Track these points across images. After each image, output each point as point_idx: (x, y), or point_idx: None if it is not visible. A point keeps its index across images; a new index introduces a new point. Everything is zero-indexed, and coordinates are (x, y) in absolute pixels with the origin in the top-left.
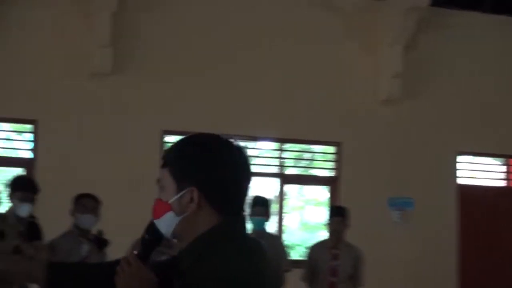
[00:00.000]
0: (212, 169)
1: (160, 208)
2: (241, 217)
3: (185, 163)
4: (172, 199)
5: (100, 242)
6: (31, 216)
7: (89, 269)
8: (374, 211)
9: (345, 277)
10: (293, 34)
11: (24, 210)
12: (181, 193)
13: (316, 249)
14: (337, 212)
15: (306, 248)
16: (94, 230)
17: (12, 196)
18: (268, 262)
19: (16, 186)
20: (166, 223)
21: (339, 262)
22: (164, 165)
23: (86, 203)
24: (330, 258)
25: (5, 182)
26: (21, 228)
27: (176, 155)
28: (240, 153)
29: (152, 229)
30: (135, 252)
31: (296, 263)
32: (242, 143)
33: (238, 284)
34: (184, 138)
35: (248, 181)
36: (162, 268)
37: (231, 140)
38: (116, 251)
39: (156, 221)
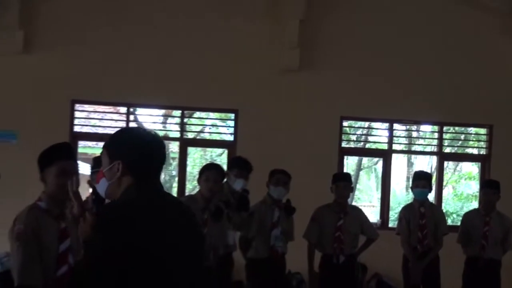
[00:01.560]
0: (132, 149)
1: (99, 176)
2: (151, 181)
3: (115, 145)
4: (105, 169)
5: (288, 209)
6: (245, 190)
7: None
8: None
9: (495, 242)
10: (450, 29)
11: (239, 185)
12: (111, 165)
13: (470, 216)
14: (491, 185)
15: (459, 215)
16: (283, 199)
17: (229, 173)
18: (180, 213)
19: (234, 164)
20: (101, 187)
21: (489, 228)
22: (103, 147)
23: (279, 177)
24: (482, 224)
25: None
26: (232, 200)
27: (111, 139)
28: (155, 140)
29: (95, 192)
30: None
31: (451, 228)
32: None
33: (123, 218)
34: (119, 129)
35: (160, 158)
36: None
37: (149, 130)
38: (300, 216)
39: (96, 186)
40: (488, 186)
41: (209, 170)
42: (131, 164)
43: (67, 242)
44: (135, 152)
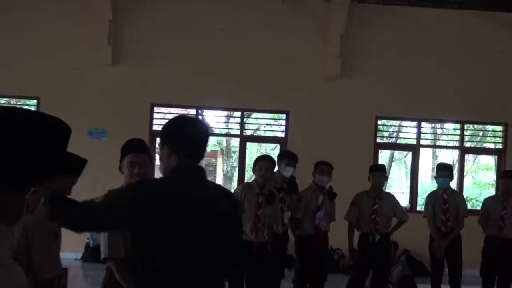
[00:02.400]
0: (173, 133)
1: (159, 160)
2: (193, 161)
3: (162, 133)
4: (159, 153)
5: (331, 195)
6: (292, 177)
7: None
8: None
9: (511, 223)
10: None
11: (288, 172)
12: (161, 150)
13: (489, 201)
14: (509, 175)
15: (478, 200)
16: (326, 186)
17: (280, 162)
18: (212, 193)
19: (283, 155)
20: (160, 168)
21: (507, 211)
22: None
23: (323, 168)
24: (500, 208)
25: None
26: (284, 185)
27: (160, 130)
28: (198, 125)
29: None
30: None
31: (471, 211)
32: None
33: (157, 191)
34: (168, 120)
35: (201, 141)
36: None
37: (194, 116)
38: (341, 201)
39: (158, 168)
40: (507, 176)
41: (262, 160)
42: (174, 146)
43: None
44: (176, 135)
